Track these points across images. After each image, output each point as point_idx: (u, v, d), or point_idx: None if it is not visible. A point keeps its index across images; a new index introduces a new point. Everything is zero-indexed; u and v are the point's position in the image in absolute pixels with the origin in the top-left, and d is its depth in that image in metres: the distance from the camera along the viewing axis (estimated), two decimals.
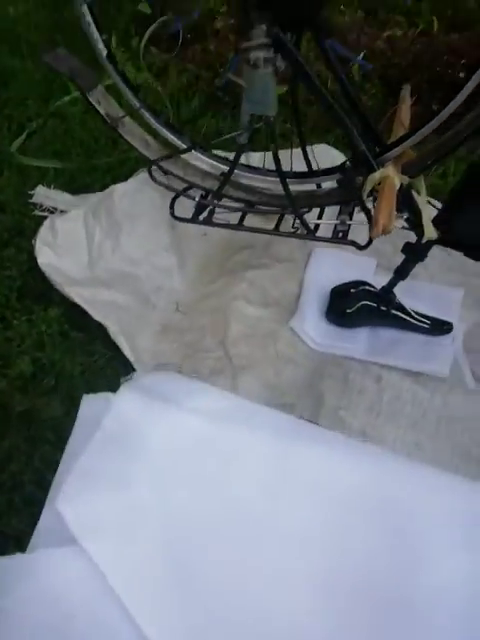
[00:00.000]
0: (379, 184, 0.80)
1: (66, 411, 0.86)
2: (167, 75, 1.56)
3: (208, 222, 0.93)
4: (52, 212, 1.13)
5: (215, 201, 0.93)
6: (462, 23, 1.64)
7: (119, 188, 1.11)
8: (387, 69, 1.57)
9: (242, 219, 0.96)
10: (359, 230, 0.90)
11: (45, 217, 1.11)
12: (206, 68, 1.56)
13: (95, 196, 1.16)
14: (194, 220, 0.94)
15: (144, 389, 0.51)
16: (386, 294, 1.05)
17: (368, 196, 0.83)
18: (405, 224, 0.86)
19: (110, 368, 0.93)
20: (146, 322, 1.00)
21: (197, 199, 0.95)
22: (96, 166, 1.29)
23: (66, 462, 0.49)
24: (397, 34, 1.49)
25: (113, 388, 0.87)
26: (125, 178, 1.23)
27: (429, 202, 0.86)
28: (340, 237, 0.88)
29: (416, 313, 1.07)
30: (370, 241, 0.85)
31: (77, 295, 0.96)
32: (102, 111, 0.86)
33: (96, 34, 0.78)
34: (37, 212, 1.12)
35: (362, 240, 0.89)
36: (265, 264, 1.07)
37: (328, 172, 0.86)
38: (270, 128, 0.74)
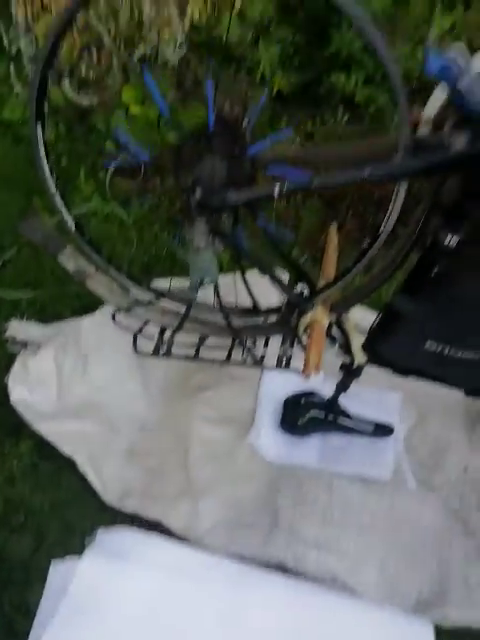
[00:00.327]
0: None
1: (36, 548, 0.91)
2: (131, 203, 1.75)
3: (167, 355, 1.05)
4: (25, 346, 1.22)
5: (174, 336, 1.05)
6: None
7: (86, 321, 1.22)
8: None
9: (198, 349, 1.08)
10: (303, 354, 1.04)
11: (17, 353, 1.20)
12: (166, 196, 1.77)
13: (67, 325, 1.27)
14: (155, 354, 1.06)
15: (106, 551, 0.58)
16: (331, 405, 1.18)
17: (304, 331, 0.98)
18: (339, 350, 1.01)
19: (78, 501, 0.99)
20: (112, 448, 1.07)
21: (156, 336, 1.07)
22: (67, 293, 1.41)
23: (36, 630, 0.55)
24: None
25: (81, 521, 0.93)
26: (94, 303, 1.35)
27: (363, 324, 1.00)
28: (284, 365, 1.01)
29: (359, 419, 1.19)
30: None
31: (46, 430, 1.04)
32: (71, 269, 1.00)
33: (66, 212, 0.93)
34: (9, 346, 1.21)
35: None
36: (222, 383, 1.18)
37: (269, 311, 1.01)
38: (215, 290, 0.89)
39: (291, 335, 1.00)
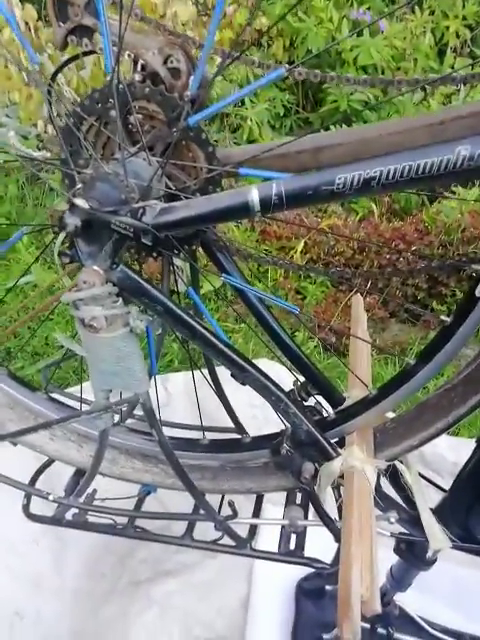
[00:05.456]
0: (342, 476, 0.47)
1: None
2: None
3: (78, 525, 0.57)
4: None
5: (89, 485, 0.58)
6: (402, 209, 1.58)
7: None
8: (332, 257, 1.43)
9: (139, 505, 0.60)
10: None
11: None
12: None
13: None
14: (56, 521, 0.58)
15: None
16: (382, 607, 0.67)
17: (334, 487, 0.50)
18: (396, 527, 0.53)
19: None
20: None
21: (68, 483, 0.59)
22: None
23: None
24: (337, 222, 1.38)
25: None
26: None
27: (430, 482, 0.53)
28: (291, 550, 0.52)
29: (434, 628, 0.67)
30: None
31: None
32: None
33: None
34: None
35: (325, 548, 0.53)
36: (186, 562, 0.68)
37: (257, 445, 0.54)
38: (147, 411, 0.43)
39: (303, 492, 0.52)
